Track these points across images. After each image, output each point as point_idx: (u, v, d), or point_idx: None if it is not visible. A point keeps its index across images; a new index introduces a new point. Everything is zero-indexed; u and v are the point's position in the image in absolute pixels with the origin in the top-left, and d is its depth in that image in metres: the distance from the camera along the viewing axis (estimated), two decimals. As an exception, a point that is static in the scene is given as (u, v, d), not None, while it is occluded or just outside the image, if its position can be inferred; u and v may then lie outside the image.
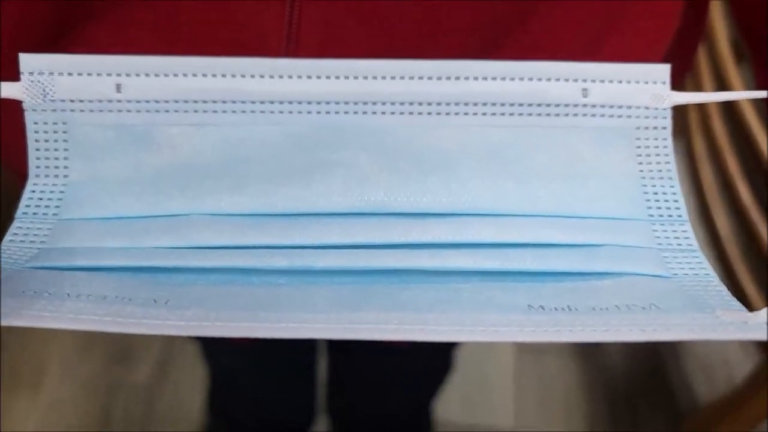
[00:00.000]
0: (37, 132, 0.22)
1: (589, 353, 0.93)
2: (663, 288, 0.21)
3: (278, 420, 0.75)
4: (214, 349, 0.66)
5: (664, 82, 0.23)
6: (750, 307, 0.21)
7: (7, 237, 0.22)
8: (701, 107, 0.62)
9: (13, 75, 0.29)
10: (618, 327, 0.18)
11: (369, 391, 0.73)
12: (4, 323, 0.17)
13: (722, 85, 0.60)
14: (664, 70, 0.23)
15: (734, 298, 0.20)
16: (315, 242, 0.22)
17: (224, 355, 0.66)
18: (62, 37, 0.28)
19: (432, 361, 0.69)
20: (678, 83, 0.38)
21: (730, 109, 0.59)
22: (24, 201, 0.23)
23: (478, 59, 0.27)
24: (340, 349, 0.69)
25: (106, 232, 0.22)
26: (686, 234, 0.23)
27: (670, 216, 0.23)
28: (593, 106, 0.23)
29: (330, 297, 0.20)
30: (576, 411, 0.89)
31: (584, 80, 0.23)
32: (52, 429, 0.83)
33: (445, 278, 0.22)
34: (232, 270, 0.21)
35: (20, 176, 0.35)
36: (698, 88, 0.63)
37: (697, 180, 0.63)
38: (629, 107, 0.23)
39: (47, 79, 0.22)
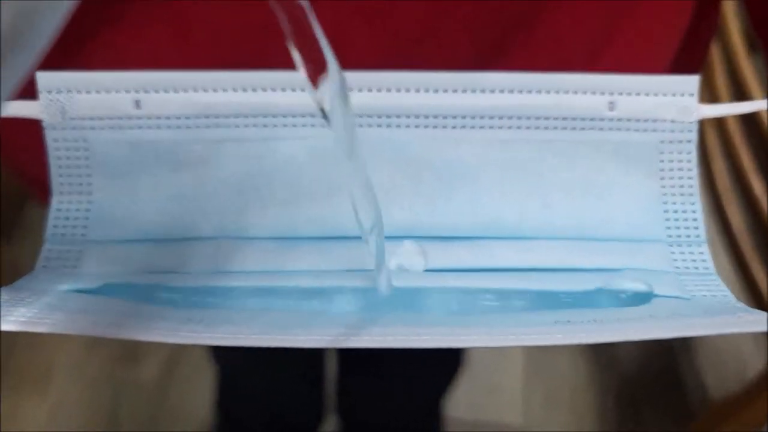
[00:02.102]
0: (58, 150, 0.22)
1: (598, 352, 0.92)
2: (683, 304, 0.21)
3: (286, 420, 0.75)
4: (222, 349, 0.65)
5: (692, 95, 0.23)
6: (763, 299, 0.21)
7: (40, 262, 0.22)
8: (714, 98, 0.61)
9: (30, 83, 0.28)
10: (644, 328, 0.18)
11: (378, 391, 0.72)
12: (42, 329, 0.17)
13: (734, 76, 0.59)
14: (692, 82, 0.23)
15: (756, 310, 0.20)
16: (341, 268, 0.22)
17: (232, 355, 0.66)
18: (77, 37, 0.27)
19: (442, 361, 0.69)
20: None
21: (742, 100, 0.59)
22: (51, 221, 0.22)
23: (484, 59, 0.26)
24: (350, 351, 0.69)
25: (135, 256, 0.22)
26: (703, 257, 0.23)
27: (689, 236, 0.23)
28: (619, 119, 0.23)
29: (359, 315, 0.20)
30: (585, 410, 0.88)
31: (611, 93, 0.22)
32: (59, 428, 0.83)
33: (471, 306, 0.22)
34: (262, 291, 0.21)
35: (23, 177, 0.35)
36: (710, 79, 0.62)
37: (710, 172, 0.63)
38: (655, 121, 0.23)
39: (65, 98, 0.22)
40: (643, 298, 0.22)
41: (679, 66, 0.33)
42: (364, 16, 0.26)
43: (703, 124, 0.72)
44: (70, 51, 0.27)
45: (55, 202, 0.23)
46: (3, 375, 0.85)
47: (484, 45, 0.27)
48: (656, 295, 0.21)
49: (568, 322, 0.19)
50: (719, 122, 0.62)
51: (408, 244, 0.22)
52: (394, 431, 0.76)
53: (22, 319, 0.18)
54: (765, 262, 0.59)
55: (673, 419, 0.87)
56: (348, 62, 0.27)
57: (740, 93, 0.59)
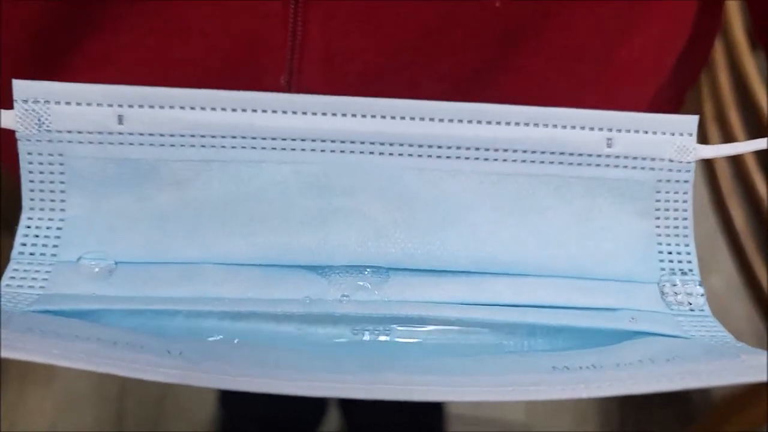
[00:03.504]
0: (31, 163, 0.21)
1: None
2: (683, 343, 0.21)
3: (289, 417, 0.75)
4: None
5: (690, 134, 0.22)
6: (765, 299, 0.21)
7: (5, 280, 0.21)
8: (717, 98, 0.61)
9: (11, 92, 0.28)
10: (646, 378, 0.18)
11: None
12: (10, 354, 0.16)
13: (737, 73, 0.59)
14: (691, 122, 0.22)
15: (756, 349, 0.20)
16: (330, 298, 0.21)
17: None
18: (62, 43, 0.27)
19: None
20: (693, 80, 0.37)
21: (746, 100, 0.58)
22: (19, 238, 0.21)
23: (487, 65, 0.26)
24: None
25: (110, 279, 0.21)
26: (699, 299, 0.22)
27: (684, 276, 0.23)
28: (617, 156, 0.22)
29: (354, 357, 0.19)
30: (587, 410, 0.88)
31: (609, 129, 0.22)
32: (64, 424, 0.84)
33: (466, 349, 0.21)
34: (244, 316, 0.21)
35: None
36: (713, 76, 0.62)
37: (712, 170, 0.62)
38: (653, 159, 0.22)
39: (42, 108, 0.21)
40: (640, 335, 0.21)
41: (684, 65, 0.33)
42: (362, 20, 0.25)
43: (706, 121, 0.71)
44: (51, 55, 0.27)
45: (25, 218, 0.22)
46: (8, 369, 0.86)
47: (487, 52, 0.27)
48: (654, 334, 0.21)
49: (566, 368, 0.19)
50: (722, 120, 0.62)
51: (399, 276, 0.22)
52: (396, 428, 0.76)
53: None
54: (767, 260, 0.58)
55: (675, 419, 0.87)
56: (345, 67, 0.26)
57: (743, 90, 0.58)
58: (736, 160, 0.60)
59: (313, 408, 0.76)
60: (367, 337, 0.21)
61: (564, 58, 0.27)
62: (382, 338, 0.21)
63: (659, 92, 0.32)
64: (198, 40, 0.26)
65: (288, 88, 0.26)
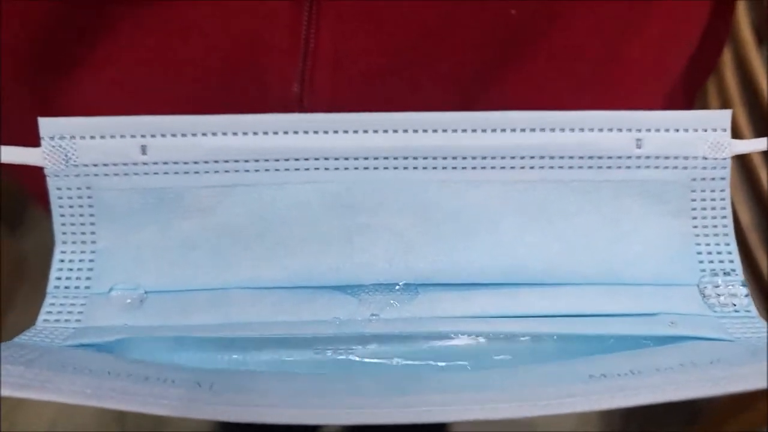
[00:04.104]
0: (61, 198, 0.22)
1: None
2: (727, 346, 0.20)
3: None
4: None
5: (724, 129, 0.22)
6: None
7: (42, 315, 0.21)
8: (723, 93, 0.61)
9: (17, 98, 0.28)
10: (689, 384, 0.17)
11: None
12: (43, 396, 0.16)
13: (744, 71, 0.59)
14: (724, 117, 0.22)
15: None
16: (360, 317, 0.21)
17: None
18: (62, 44, 0.27)
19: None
20: (702, 82, 0.37)
21: (752, 98, 0.58)
22: (54, 273, 0.22)
23: (489, 65, 0.25)
24: None
25: (141, 309, 0.21)
26: (743, 299, 0.22)
27: (727, 276, 0.22)
28: (647, 157, 0.22)
29: (378, 380, 0.19)
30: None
31: (638, 129, 0.21)
32: (66, 423, 0.83)
33: (498, 362, 0.21)
34: (275, 342, 0.21)
35: (23, 189, 0.34)
36: (719, 74, 0.61)
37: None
38: (686, 158, 0.22)
39: (69, 144, 0.21)
40: (680, 339, 0.21)
41: (691, 66, 0.32)
42: (365, 21, 0.25)
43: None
44: (50, 57, 0.27)
45: (58, 252, 0.22)
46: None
47: (495, 51, 0.26)
48: (696, 338, 0.20)
49: (603, 376, 0.18)
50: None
51: (428, 292, 0.22)
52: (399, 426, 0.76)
53: (22, 381, 0.17)
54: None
55: (680, 416, 0.87)
56: (350, 69, 0.26)
57: (749, 87, 0.58)
58: (741, 155, 0.60)
59: None
60: (395, 361, 0.21)
61: (566, 58, 0.27)
62: (410, 362, 0.21)
63: (665, 93, 0.32)
64: (198, 41, 0.25)
65: (300, 95, 0.26)
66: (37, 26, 0.26)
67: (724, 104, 0.61)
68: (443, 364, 0.21)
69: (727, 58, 0.60)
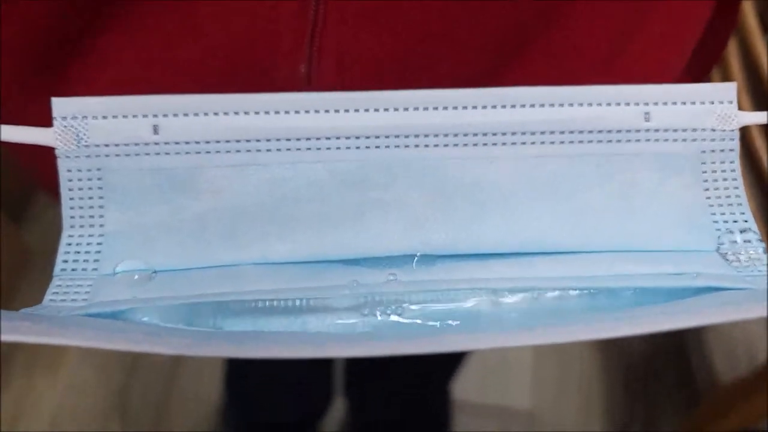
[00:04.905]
0: (71, 180, 0.21)
1: (607, 335, 0.92)
2: (752, 292, 0.20)
3: (295, 403, 0.76)
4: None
5: (731, 102, 0.22)
6: None
7: (48, 296, 0.21)
8: (726, 79, 0.60)
9: (16, 98, 0.28)
10: (710, 309, 0.17)
11: (386, 373, 0.73)
12: (52, 341, 0.16)
13: (748, 59, 0.58)
14: (730, 89, 0.22)
15: None
16: (378, 280, 0.21)
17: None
18: (62, 44, 0.27)
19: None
20: (704, 75, 0.37)
21: (757, 85, 0.58)
22: (61, 255, 0.22)
23: (490, 65, 0.25)
24: None
25: (149, 285, 0.21)
26: (764, 257, 0.22)
27: (747, 241, 0.22)
28: (656, 130, 0.22)
29: (399, 332, 0.19)
30: (593, 393, 0.88)
31: (646, 103, 0.22)
32: (71, 409, 0.84)
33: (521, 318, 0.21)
34: (287, 310, 0.21)
35: (28, 174, 0.34)
36: (724, 62, 0.61)
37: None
38: (694, 130, 0.22)
39: (80, 124, 0.21)
40: (708, 291, 0.21)
41: (694, 63, 0.32)
42: (368, 20, 0.25)
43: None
44: (50, 57, 0.26)
45: (65, 236, 0.22)
46: (16, 355, 0.86)
47: (499, 49, 0.27)
48: (721, 288, 0.20)
49: (633, 317, 0.18)
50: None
51: (445, 263, 0.22)
52: (402, 412, 0.76)
53: (28, 328, 0.16)
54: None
55: (682, 402, 0.87)
56: (352, 69, 0.26)
57: (754, 74, 0.58)
58: (743, 139, 0.59)
59: (319, 392, 0.76)
60: (415, 321, 0.21)
61: (568, 58, 0.27)
62: (429, 322, 0.21)
63: None
64: (201, 41, 0.25)
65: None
66: (37, 26, 0.26)
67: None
68: (461, 323, 0.21)
69: (732, 47, 0.60)
